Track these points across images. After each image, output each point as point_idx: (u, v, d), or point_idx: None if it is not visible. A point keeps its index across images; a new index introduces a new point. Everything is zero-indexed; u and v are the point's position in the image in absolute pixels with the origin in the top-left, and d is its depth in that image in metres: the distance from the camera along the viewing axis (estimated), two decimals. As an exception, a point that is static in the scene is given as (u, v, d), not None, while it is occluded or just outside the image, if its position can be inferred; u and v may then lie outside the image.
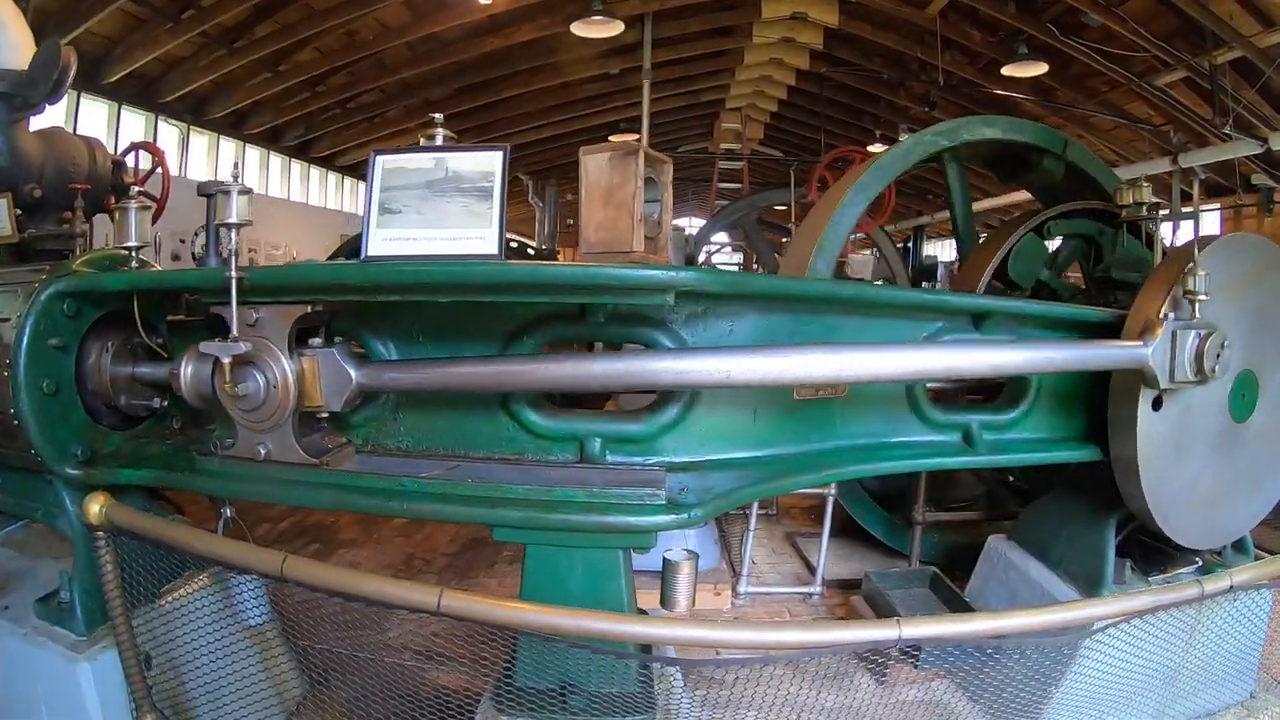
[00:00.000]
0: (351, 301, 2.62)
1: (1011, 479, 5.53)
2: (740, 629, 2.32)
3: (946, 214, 5.74)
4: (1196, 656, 3.20)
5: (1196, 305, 2.96)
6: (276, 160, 18.36)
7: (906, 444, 3.36)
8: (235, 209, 2.34)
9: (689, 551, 2.54)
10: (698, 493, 2.51)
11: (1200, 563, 3.74)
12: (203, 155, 15.55)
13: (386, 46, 13.73)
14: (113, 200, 3.75)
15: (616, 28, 12.17)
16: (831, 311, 3.00)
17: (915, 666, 3.94)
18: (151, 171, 4.66)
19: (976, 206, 8.49)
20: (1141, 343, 2.97)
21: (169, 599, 3.04)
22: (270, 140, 17.43)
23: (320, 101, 15.83)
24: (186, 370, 2.68)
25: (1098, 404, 3.45)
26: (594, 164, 2.43)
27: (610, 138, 20.86)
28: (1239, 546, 3.86)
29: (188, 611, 2.98)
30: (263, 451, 2.53)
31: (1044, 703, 3.18)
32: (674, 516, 2.35)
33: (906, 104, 16.79)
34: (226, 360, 2.34)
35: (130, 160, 4.48)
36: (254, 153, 17.31)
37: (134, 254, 3.01)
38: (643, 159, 2.42)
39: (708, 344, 2.69)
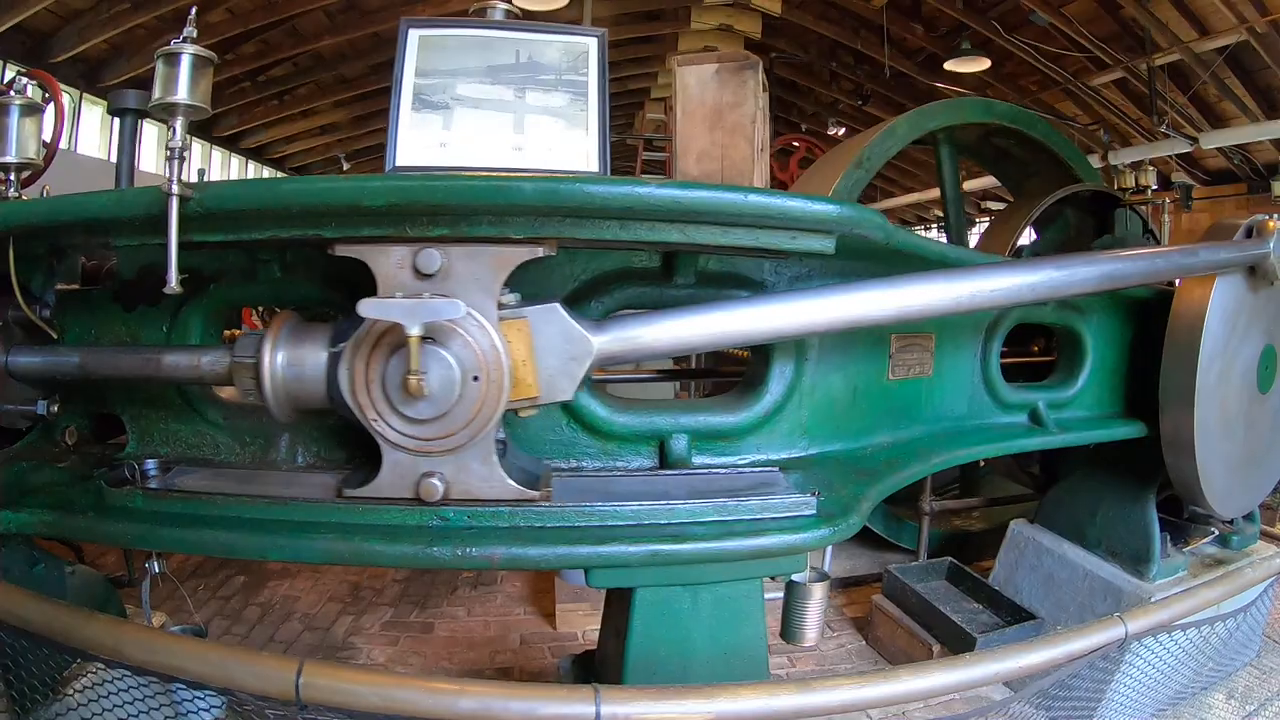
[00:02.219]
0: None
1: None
2: (881, 679, 1.72)
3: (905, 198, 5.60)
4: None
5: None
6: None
7: (984, 427, 3.17)
8: (184, 82, 1.58)
9: (817, 571, 1.99)
10: (832, 497, 1.95)
11: (1216, 533, 3.89)
12: (96, 129, 13.84)
13: (302, 11, 12.59)
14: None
15: (558, 1, 11.48)
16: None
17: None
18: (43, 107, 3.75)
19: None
20: (1261, 241, 3.00)
21: (76, 687, 2.05)
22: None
23: (229, 71, 14.42)
24: (275, 359, 1.70)
25: (1141, 379, 3.45)
26: (696, 79, 1.85)
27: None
28: (1248, 515, 3.97)
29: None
30: (439, 488, 1.70)
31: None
32: (830, 530, 1.82)
33: (836, 97, 16.78)
34: (416, 333, 1.51)
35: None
36: (151, 130, 15.63)
37: (9, 176, 2.15)
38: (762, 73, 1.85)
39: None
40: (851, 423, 2.43)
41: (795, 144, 12.06)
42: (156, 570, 2.39)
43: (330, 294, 2.06)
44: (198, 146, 17.28)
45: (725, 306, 1.86)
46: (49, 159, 3.18)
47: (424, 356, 1.58)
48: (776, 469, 2.08)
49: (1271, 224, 3.00)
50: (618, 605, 1.94)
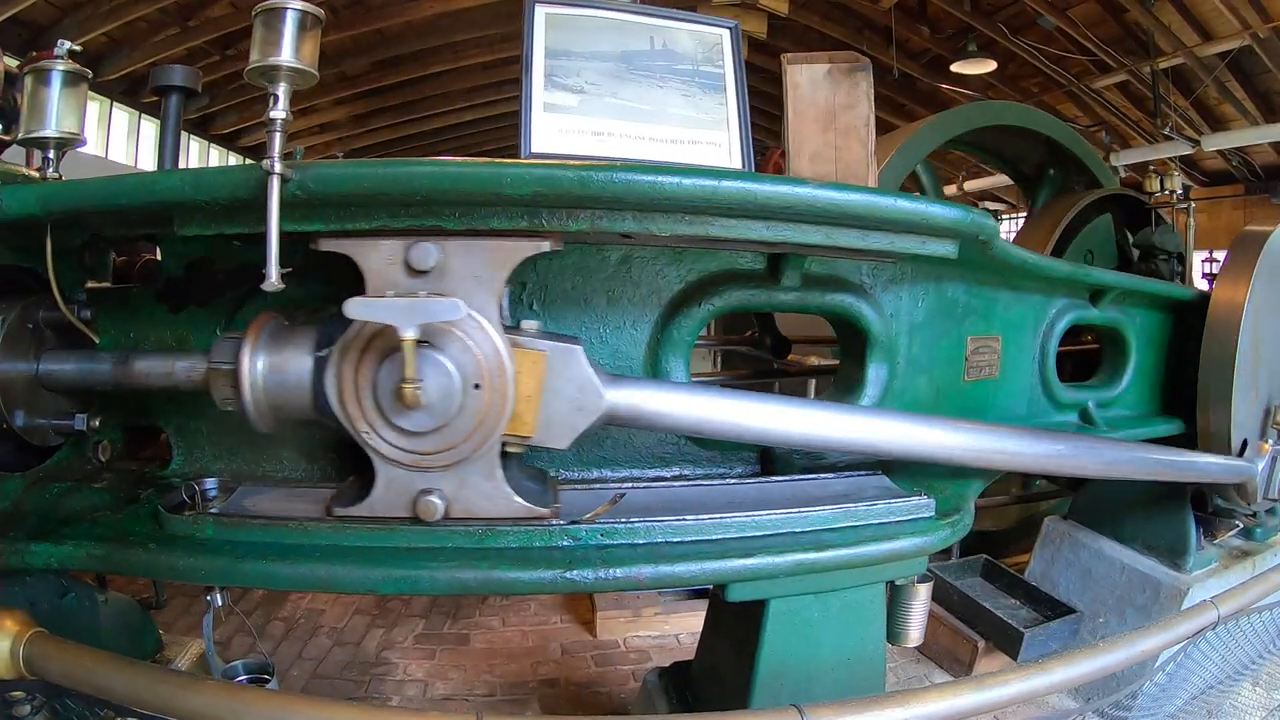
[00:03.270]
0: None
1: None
2: (1012, 677, 1.74)
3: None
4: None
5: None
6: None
7: (1043, 427, 3.11)
8: (289, 42, 1.40)
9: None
10: (940, 498, 1.94)
11: (1241, 525, 3.94)
12: (92, 124, 13.68)
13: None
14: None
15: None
16: (991, 284, 2.66)
17: (1015, 658, 3.81)
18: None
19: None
20: (1247, 461, 3.21)
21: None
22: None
23: (231, 67, 14.24)
24: (255, 364, 1.53)
25: (1176, 377, 3.57)
26: (809, 78, 1.81)
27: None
28: (1271, 509, 4.04)
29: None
30: (439, 506, 1.55)
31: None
32: (949, 530, 1.81)
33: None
34: (410, 336, 1.37)
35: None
36: (149, 126, 15.39)
37: (50, 153, 1.87)
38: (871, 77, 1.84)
39: (903, 316, 2.22)
40: (933, 424, 2.41)
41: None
42: (219, 603, 2.01)
43: None
44: (195, 145, 17.08)
45: (767, 400, 1.80)
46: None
47: (420, 362, 1.44)
48: (878, 471, 2.06)
49: (1266, 448, 3.23)
50: (736, 617, 1.90)
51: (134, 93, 14.04)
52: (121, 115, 14.00)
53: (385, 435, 1.53)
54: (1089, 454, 2.41)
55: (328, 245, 1.52)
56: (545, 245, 1.53)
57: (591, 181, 1.41)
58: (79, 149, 2.03)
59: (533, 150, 1.59)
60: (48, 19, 11.45)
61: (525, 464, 1.80)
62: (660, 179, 1.40)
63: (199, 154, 17.52)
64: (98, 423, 2.00)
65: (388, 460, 1.56)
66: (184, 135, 16.83)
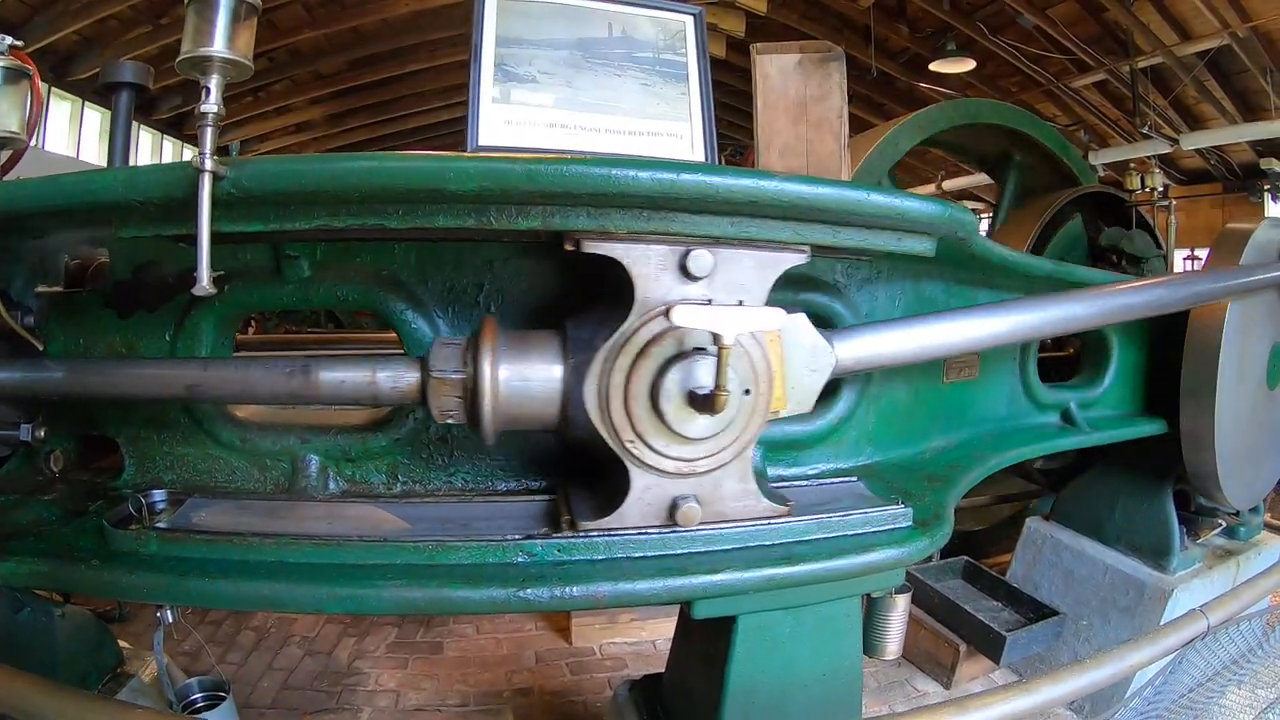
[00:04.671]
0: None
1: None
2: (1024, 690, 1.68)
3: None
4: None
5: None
6: (147, 137, 15.90)
7: (1024, 428, 3.12)
8: (221, 31, 1.33)
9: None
10: (917, 506, 1.86)
11: (1224, 524, 3.98)
12: (64, 125, 13.35)
13: (281, 3, 12.30)
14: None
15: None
16: (970, 283, 2.57)
17: (998, 662, 3.84)
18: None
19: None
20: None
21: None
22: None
23: (202, 65, 14.02)
24: (499, 372, 1.48)
25: (1159, 377, 3.50)
26: (778, 69, 1.73)
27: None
28: (1253, 508, 4.07)
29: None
30: (698, 510, 1.53)
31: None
32: (928, 541, 1.72)
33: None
34: (730, 343, 1.34)
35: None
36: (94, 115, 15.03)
37: None
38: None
39: (879, 317, 2.13)
40: (911, 428, 2.35)
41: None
42: (170, 620, 1.95)
43: (379, 296, 1.82)
44: (168, 145, 16.82)
45: (958, 316, 1.86)
46: (17, 154, 2.88)
47: (705, 370, 1.44)
48: (855, 478, 1.98)
49: None
50: (705, 632, 1.81)
51: (106, 92, 13.75)
52: (94, 115, 13.72)
53: (655, 443, 1.50)
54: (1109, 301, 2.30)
55: (591, 248, 1.46)
56: (802, 258, 1.56)
57: (540, 175, 1.33)
58: (48, 148, 1.94)
59: (480, 143, 1.53)
60: (18, 17, 11.22)
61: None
62: (615, 171, 1.31)
63: (173, 154, 17.27)
64: (43, 433, 1.91)
65: (649, 469, 1.53)
66: (158, 136, 16.43)
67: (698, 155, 1.48)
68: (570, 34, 1.52)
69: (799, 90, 1.73)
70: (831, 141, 1.73)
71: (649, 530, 1.54)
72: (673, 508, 1.53)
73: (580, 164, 1.31)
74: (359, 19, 13.12)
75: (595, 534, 1.54)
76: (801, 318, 1.62)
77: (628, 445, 1.49)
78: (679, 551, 1.57)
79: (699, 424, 1.47)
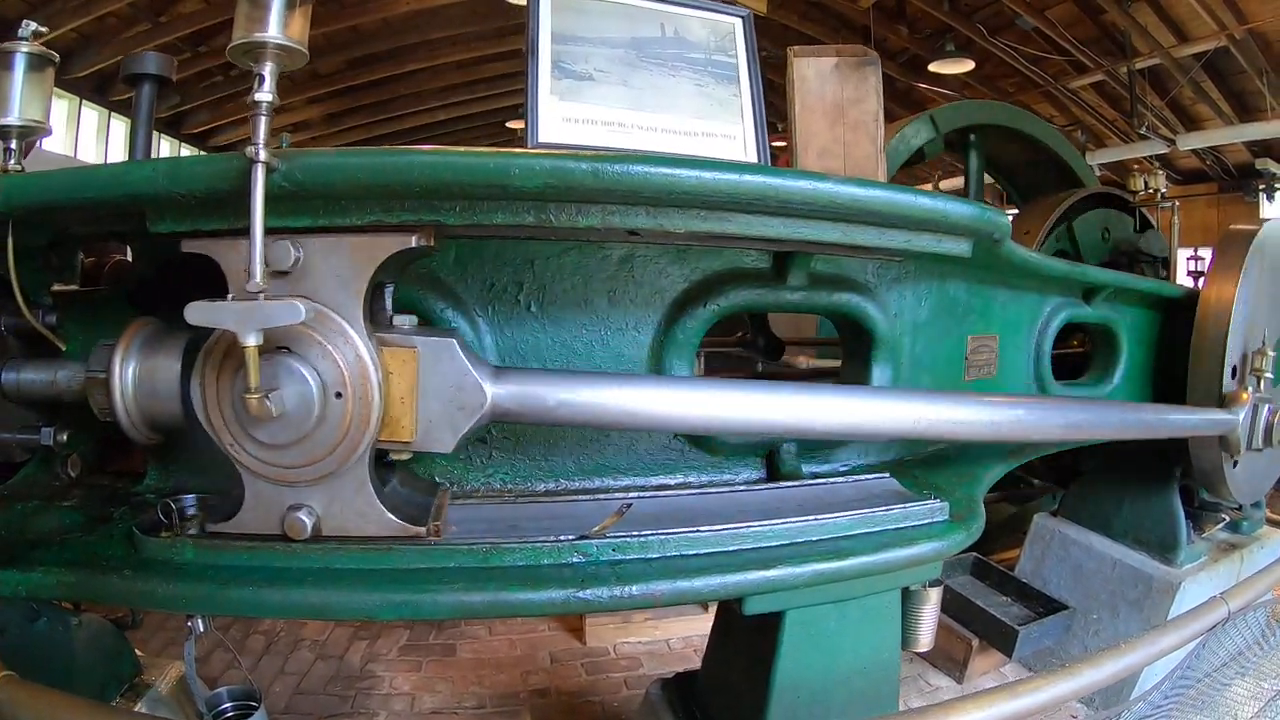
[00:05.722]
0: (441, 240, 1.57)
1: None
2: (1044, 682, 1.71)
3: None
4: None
5: (1263, 381, 3.15)
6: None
7: None
8: (275, 17, 1.27)
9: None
10: (951, 500, 1.89)
11: (1227, 519, 4.03)
12: (61, 123, 13.28)
13: None
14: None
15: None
16: (990, 282, 2.62)
17: (1010, 656, 3.88)
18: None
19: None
20: (1229, 412, 3.12)
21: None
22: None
23: (203, 64, 13.98)
24: (125, 372, 1.46)
25: (1166, 373, 3.56)
26: (815, 71, 1.75)
27: (508, 124, 19.87)
28: (1256, 502, 4.11)
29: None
30: (306, 523, 1.43)
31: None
32: (965, 534, 1.75)
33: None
34: (252, 342, 1.26)
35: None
36: (120, 125, 15.06)
37: (12, 143, 1.76)
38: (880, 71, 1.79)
39: (907, 316, 2.17)
40: (934, 425, 2.37)
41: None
42: (201, 630, 1.84)
43: (418, 294, 1.76)
44: (165, 143, 16.76)
45: (678, 384, 1.63)
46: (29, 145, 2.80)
47: (275, 369, 1.34)
48: (886, 474, 2.00)
49: (1244, 398, 3.12)
50: (748, 629, 1.82)
51: (104, 90, 13.74)
52: (91, 114, 13.67)
53: (248, 447, 1.41)
54: (1058, 416, 2.22)
55: (190, 246, 1.40)
56: (413, 240, 1.41)
57: (606, 174, 1.32)
58: (45, 148, 1.91)
59: (540, 140, 1.50)
60: (16, 13, 11.15)
61: (407, 473, 1.69)
62: (679, 172, 1.32)
63: (170, 153, 17.22)
64: (65, 437, 1.81)
65: (254, 474, 1.44)
66: (156, 135, 16.42)
67: (750, 157, 1.50)
68: (625, 33, 1.52)
69: (836, 93, 1.75)
70: (868, 144, 1.76)
71: (702, 530, 1.55)
72: (284, 517, 1.45)
73: (644, 162, 1.31)
74: (357, 18, 13.09)
75: (649, 533, 1.55)
76: (450, 343, 1.47)
77: (229, 448, 1.42)
78: (732, 549, 1.58)
79: (270, 429, 1.38)
